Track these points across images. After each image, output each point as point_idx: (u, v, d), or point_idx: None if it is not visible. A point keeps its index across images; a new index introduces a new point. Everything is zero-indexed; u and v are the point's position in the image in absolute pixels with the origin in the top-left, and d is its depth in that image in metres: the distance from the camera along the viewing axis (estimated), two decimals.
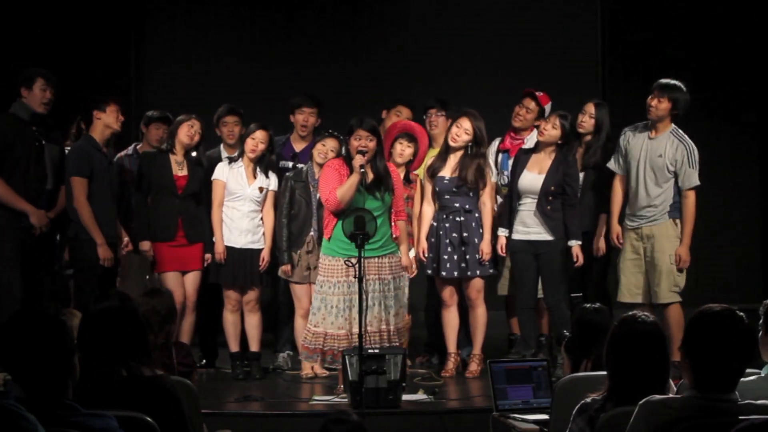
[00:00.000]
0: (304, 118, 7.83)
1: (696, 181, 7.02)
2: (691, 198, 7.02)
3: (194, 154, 7.42)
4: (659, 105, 7.01)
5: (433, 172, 7.31)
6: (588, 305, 4.82)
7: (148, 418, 3.27)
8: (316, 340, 6.76)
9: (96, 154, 7.11)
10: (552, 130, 7.20)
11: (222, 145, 7.83)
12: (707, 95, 9.66)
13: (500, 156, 7.84)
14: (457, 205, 7.27)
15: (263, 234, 7.40)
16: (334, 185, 6.68)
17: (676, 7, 9.89)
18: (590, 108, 7.47)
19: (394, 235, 6.89)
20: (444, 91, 8.42)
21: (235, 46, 10.06)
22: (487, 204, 7.28)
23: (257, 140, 7.32)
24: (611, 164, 7.27)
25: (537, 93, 7.78)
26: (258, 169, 7.37)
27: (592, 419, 3.45)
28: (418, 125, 7.53)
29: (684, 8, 9.87)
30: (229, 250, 7.33)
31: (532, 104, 7.74)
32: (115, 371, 3.48)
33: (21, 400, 2.77)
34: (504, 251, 7.29)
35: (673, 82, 7.05)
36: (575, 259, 7.17)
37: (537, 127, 7.52)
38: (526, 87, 7.94)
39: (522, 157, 7.37)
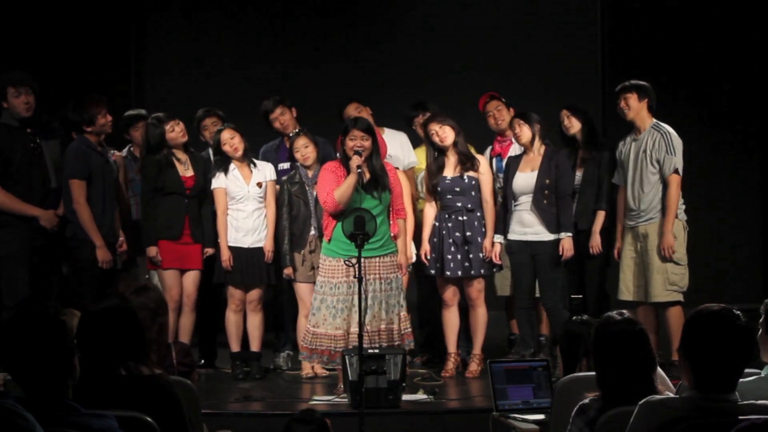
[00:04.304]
0: (278, 120, 7.85)
1: (676, 165, 7.02)
2: (673, 184, 7.02)
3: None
4: (628, 102, 7.14)
5: (432, 175, 7.32)
6: (575, 317, 4.87)
7: (148, 418, 3.27)
8: (315, 340, 6.78)
9: (93, 154, 7.10)
10: (526, 131, 7.24)
11: (210, 149, 7.83)
12: (708, 96, 9.66)
13: (494, 160, 7.87)
14: (459, 204, 7.28)
15: (267, 228, 7.42)
16: (331, 187, 6.71)
17: (676, 8, 9.89)
18: (565, 112, 7.53)
19: (392, 234, 6.90)
20: (441, 93, 8.43)
21: (235, 47, 10.05)
22: (489, 202, 7.29)
23: (227, 140, 7.37)
24: (615, 179, 7.36)
25: (490, 93, 7.85)
26: (251, 166, 7.40)
27: (591, 420, 3.46)
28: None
29: (684, 9, 9.86)
30: (237, 250, 7.35)
31: (496, 103, 7.81)
32: (114, 371, 3.48)
33: (21, 400, 2.76)
34: (498, 258, 7.30)
35: (627, 82, 7.20)
36: (561, 252, 7.18)
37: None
38: (525, 88, 7.97)
39: (513, 163, 7.44)
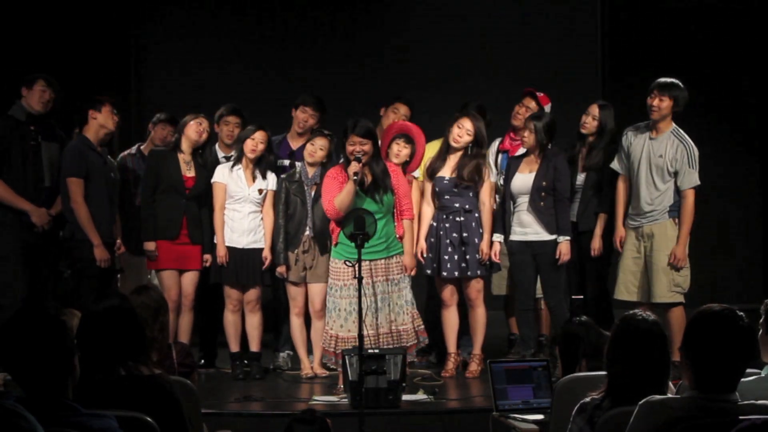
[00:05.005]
0: (305, 117, 7.80)
1: (695, 181, 7.02)
2: (690, 198, 7.02)
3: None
4: (661, 104, 7.02)
5: (432, 173, 7.32)
6: (574, 318, 4.86)
7: (148, 418, 3.27)
8: (330, 342, 6.83)
9: (91, 154, 7.11)
10: (532, 139, 7.23)
11: (217, 145, 7.82)
12: (707, 95, 9.66)
13: (500, 156, 7.86)
14: (456, 205, 7.27)
15: (264, 234, 7.41)
16: (333, 194, 6.73)
17: (676, 7, 9.89)
18: (594, 110, 7.48)
19: (398, 234, 6.91)
20: (443, 93, 8.42)
21: (234, 47, 10.06)
22: (487, 203, 7.28)
23: (257, 140, 7.33)
24: (614, 165, 7.28)
25: (537, 93, 7.78)
26: (257, 171, 7.38)
27: (591, 418, 3.45)
28: (416, 126, 7.50)
29: (684, 8, 9.87)
30: (232, 250, 7.34)
31: (532, 104, 7.74)
32: (114, 371, 3.48)
33: (21, 400, 2.76)
34: (497, 257, 7.30)
35: (671, 80, 7.07)
36: (558, 256, 7.17)
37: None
38: (526, 87, 7.94)
39: (513, 163, 7.44)
